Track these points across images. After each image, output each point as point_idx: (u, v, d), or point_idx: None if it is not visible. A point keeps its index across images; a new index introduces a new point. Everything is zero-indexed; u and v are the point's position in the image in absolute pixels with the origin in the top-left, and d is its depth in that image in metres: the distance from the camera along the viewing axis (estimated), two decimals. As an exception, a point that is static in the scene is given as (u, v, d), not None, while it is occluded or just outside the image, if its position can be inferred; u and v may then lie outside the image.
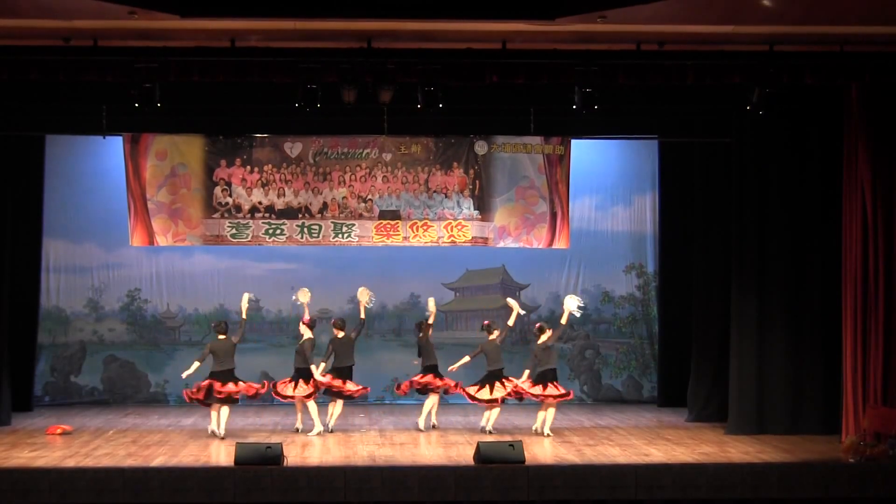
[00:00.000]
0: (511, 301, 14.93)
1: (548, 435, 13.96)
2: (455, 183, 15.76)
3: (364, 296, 14.63)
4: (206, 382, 13.78)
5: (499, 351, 14.48)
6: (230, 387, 13.75)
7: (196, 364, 13.94)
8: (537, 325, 14.64)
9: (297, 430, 14.24)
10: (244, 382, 13.97)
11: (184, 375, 14.10)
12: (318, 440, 13.68)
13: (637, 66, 12.80)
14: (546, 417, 14.13)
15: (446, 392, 14.62)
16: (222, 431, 13.73)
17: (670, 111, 15.75)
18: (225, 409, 13.82)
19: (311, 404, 14.13)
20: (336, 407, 14.34)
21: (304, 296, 14.50)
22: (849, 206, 13.61)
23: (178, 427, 14.73)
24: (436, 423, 14.64)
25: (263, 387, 14.19)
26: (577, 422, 15.30)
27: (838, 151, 13.79)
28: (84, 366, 17.18)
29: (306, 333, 14.35)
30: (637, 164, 17.48)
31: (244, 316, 14.30)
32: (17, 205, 15.51)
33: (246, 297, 14.38)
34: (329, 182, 15.69)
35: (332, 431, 14.17)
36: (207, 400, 13.81)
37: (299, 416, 14.33)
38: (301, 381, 14.12)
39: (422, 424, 14.47)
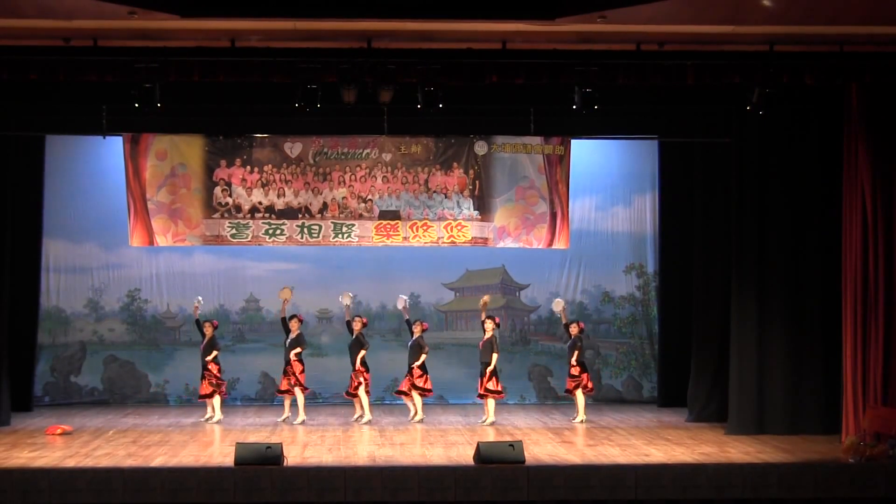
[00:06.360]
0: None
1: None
2: (455, 183, 15.76)
3: (346, 300, 15.58)
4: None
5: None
6: None
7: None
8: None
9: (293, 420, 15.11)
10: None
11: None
12: (319, 440, 13.71)
13: (637, 66, 12.79)
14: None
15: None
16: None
17: (670, 111, 15.77)
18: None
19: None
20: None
21: (284, 293, 15.56)
22: (849, 206, 13.60)
23: (178, 427, 14.73)
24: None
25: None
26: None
27: (838, 151, 13.79)
28: (84, 366, 17.18)
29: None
30: (637, 164, 17.47)
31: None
32: (17, 205, 15.51)
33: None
34: (329, 182, 15.69)
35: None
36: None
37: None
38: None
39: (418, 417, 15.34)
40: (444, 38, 12.54)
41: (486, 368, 14.93)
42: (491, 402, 15.05)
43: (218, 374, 15.26)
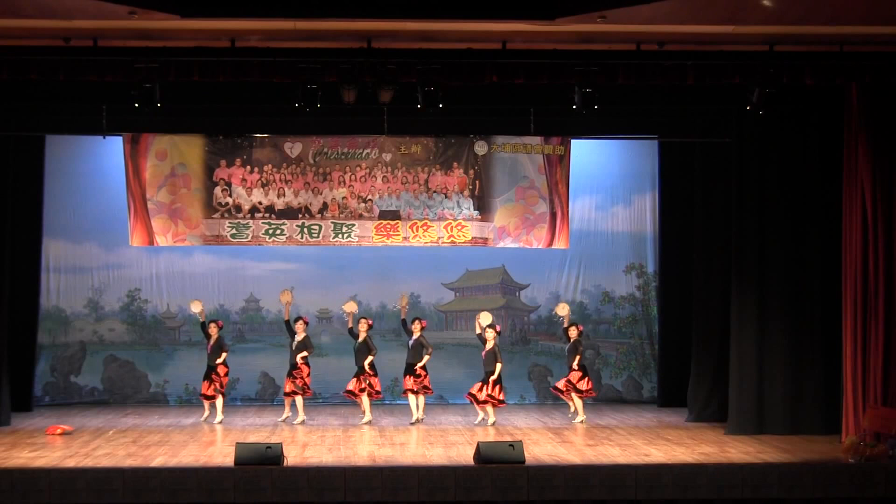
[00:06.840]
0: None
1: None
2: (455, 183, 15.76)
3: (351, 307, 15.52)
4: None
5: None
6: None
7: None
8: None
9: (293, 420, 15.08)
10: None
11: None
12: (319, 440, 13.71)
13: (637, 66, 12.79)
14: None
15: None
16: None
17: (670, 111, 15.76)
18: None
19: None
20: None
21: (285, 296, 15.48)
22: (849, 206, 13.60)
23: (178, 427, 14.73)
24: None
25: None
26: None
27: (838, 151, 13.79)
28: (84, 366, 17.18)
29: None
30: (637, 164, 17.47)
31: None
32: (17, 205, 15.50)
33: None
34: (329, 182, 15.69)
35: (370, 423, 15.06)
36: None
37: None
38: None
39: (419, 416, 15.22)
40: (444, 38, 12.54)
41: (489, 377, 14.81)
42: (489, 406, 14.94)
43: (224, 377, 15.20)
